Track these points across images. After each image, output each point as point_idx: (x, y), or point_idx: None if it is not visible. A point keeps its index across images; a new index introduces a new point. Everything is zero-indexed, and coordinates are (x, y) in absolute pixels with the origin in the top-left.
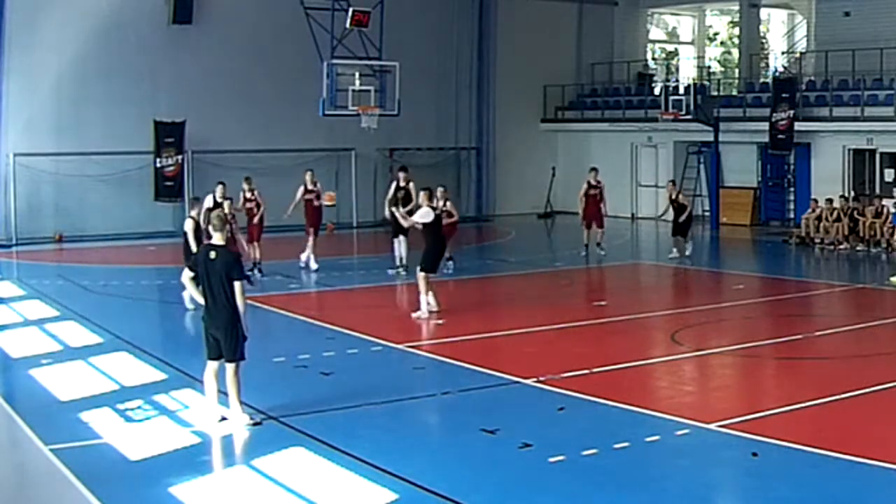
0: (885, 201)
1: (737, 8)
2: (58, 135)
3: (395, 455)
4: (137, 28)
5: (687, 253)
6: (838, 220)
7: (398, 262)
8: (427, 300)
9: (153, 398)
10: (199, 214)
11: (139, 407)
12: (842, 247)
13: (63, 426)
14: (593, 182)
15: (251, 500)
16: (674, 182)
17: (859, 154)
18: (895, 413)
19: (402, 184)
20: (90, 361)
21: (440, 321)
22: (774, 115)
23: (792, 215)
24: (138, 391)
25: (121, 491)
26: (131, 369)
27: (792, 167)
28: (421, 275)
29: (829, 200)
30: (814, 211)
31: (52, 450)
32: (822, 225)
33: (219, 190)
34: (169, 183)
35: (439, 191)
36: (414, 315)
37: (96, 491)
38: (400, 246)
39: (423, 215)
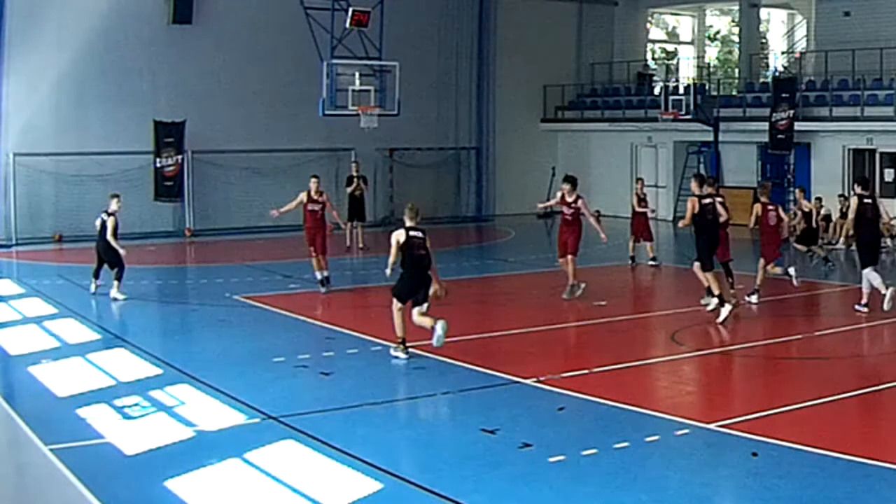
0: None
1: (737, 8)
2: (58, 135)
3: (395, 455)
4: (137, 28)
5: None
6: (826, 219)
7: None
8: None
9: (149, 394)
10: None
11: (136, 404)
12: (840, 246)
13: (61, 423)
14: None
15: (250, 499)
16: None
17: (859, 154)
18: (895, 413)
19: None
20: (88, 358)
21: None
22: (774, 114)
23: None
24: (135, 387)
25: (118, 487)
26: (128, 366)
27: (792, 167)
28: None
29: (819, 199)
30: (800, 209)
31: (50, 447)
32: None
33: (313, 184)
34: (169, 183)
35: None
36: None
37: (93, 487)
38: None
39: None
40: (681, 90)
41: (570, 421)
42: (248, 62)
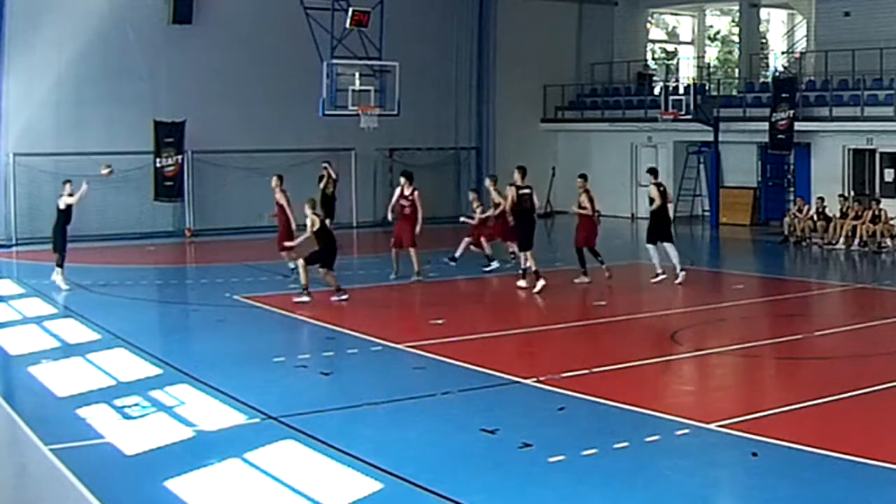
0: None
1: (737, 8)
2: (58, 135)
3: (395, 455)
4: (137, 28)
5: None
6: (825, 219)
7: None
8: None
9: (149, 394)
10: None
11: (136, 404)
12: (839, 246)
13: (61, 423)
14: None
15: (250, 499)
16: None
17: (859, 154)
18: (895, 413)
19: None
20: (88, 358)
21: (440, 321)
22: (774, 115)
23: None
24: (135, 387)
25: (118, 487)
26: (128, 366)
27: (792, 167)
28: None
29: (821, 199)
30: (801, 210)
31: (50, 447)
32: (817, 224)
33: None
34: (168, 183)
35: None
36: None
37: (93, 487)
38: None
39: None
40: (681, 90)
41: (570, 421)
42: (248, 62)
